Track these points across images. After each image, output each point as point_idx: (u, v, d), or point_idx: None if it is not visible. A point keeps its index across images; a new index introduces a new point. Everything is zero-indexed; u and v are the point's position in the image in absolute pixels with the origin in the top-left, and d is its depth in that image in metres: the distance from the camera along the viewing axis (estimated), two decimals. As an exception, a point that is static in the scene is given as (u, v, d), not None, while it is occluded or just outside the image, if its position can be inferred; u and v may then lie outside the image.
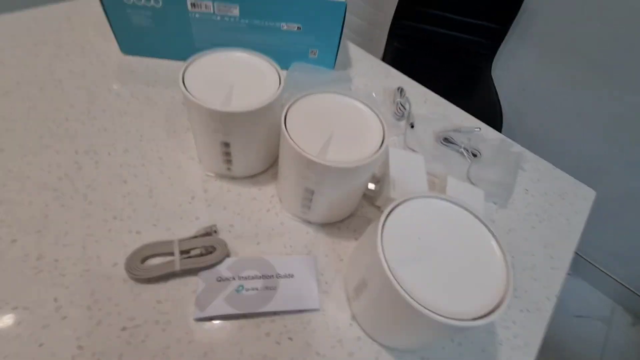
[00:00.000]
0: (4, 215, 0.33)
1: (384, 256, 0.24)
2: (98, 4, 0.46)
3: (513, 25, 1.11)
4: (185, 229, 0.35)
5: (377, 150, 0.31)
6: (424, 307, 0.22)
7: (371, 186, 0.39)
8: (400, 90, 0.55)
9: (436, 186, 0.44)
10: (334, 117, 0.34)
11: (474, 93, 1.11)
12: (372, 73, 0.61)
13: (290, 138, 0.30)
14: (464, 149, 0.47)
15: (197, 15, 0.47)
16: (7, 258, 0.31)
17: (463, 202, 0.29)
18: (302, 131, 0.31)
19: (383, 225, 0.26)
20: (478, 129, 0.51)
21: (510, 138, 0.52)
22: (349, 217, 0.40)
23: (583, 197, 0.49)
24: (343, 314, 0.33)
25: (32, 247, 0.32)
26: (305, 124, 0.32)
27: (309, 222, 0.38)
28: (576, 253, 0.42)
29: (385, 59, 1.16)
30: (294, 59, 0.54)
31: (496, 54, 1.15)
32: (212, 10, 0.47)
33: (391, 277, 0.23)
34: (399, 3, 1.13)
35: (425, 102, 0.58)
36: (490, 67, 1.18)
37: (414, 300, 0.23)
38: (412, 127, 0.51)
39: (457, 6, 1.11)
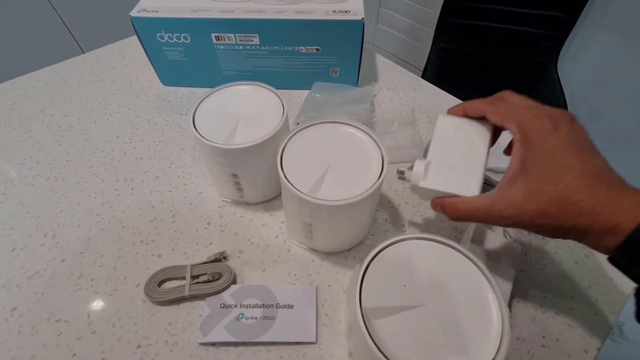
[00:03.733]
0: (59, 237, 0.40)
1: (361, 309, 0.23)
2: (140, 43, 0.51)
3: (585, 10, 0.96)
4: (199, 253, 0.38)
5: (372, 185, 0.30)
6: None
7: (405, 170, 0.31)
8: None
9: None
10: (333, 148, 0.33)
11: (534, 92, 0.99)
12: (400, 86, 0.58)
13: (284, 173, 0.31)
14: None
15: (221, 47, 0.50)
16: (57, 276, 0.37)
17: (461, 247, 0.26)
18: (298, 165, 0.32)
19: (366, 269, 0.25)
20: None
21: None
22: (357, 246, 0.39)
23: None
24: (340, 349, 0.32)
25: (76, 267, 0.37)
26: (301, 158, 0.32)
27: (315, 251, 0.39)
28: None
29: (431, 60, 1.09)
30: (316, 78, 0.54)
31: (563, 46, 1.01)
32: (234, 42, 0.50)
33: (366, 334, 0.22)
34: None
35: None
36: (556, 61, 1.04)
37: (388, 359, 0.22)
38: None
39: (514, -3, 1.00)
